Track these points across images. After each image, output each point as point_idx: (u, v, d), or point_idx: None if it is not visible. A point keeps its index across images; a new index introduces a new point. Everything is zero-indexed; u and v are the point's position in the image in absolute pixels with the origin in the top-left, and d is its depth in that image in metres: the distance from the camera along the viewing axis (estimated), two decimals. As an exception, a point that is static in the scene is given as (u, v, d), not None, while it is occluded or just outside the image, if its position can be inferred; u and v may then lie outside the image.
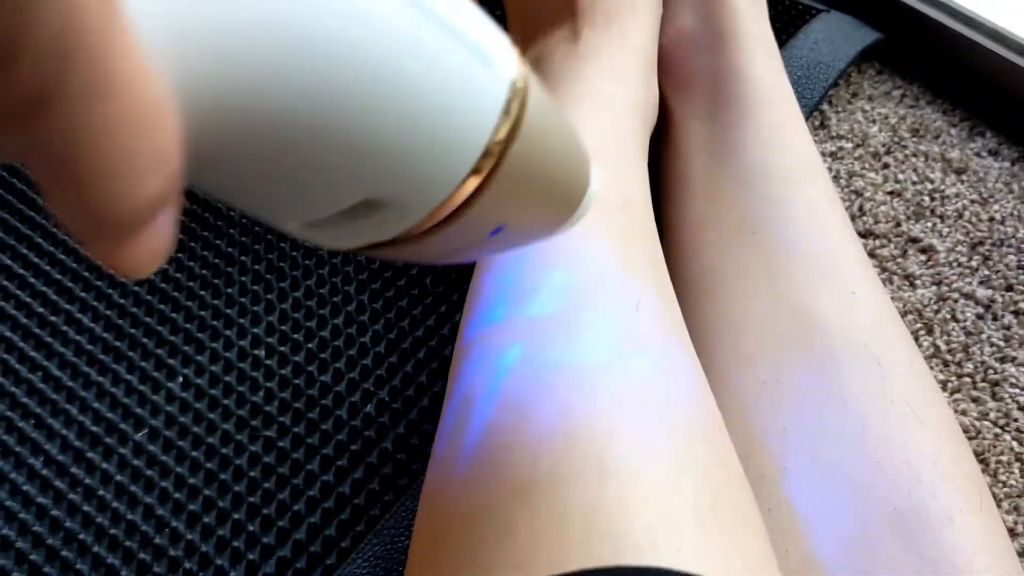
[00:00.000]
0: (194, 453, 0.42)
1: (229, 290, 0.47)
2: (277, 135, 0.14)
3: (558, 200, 0.22)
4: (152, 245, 0.14)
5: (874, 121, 0.53)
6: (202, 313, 0.46)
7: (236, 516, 0.40)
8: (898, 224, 0.49)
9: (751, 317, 0.38)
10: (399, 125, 0.16)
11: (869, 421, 0.34)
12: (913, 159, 0.51)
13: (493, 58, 0.17)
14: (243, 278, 0.47)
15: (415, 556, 0.27)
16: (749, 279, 0.39)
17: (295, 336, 0.45)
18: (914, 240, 0.48)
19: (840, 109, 0.54)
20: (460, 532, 0.25)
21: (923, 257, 0.48)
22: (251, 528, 0.40)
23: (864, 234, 0.49)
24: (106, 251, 0.13)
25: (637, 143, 0.40)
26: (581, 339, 0.28)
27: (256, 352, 0.45)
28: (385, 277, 0.47)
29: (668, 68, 0.46)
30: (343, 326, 0.45)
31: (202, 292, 0.47)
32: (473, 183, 0.18)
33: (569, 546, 0.22)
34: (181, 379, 0.44)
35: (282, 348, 0.45)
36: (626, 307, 0.30)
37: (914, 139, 0.52)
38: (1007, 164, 0.51)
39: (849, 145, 0.52)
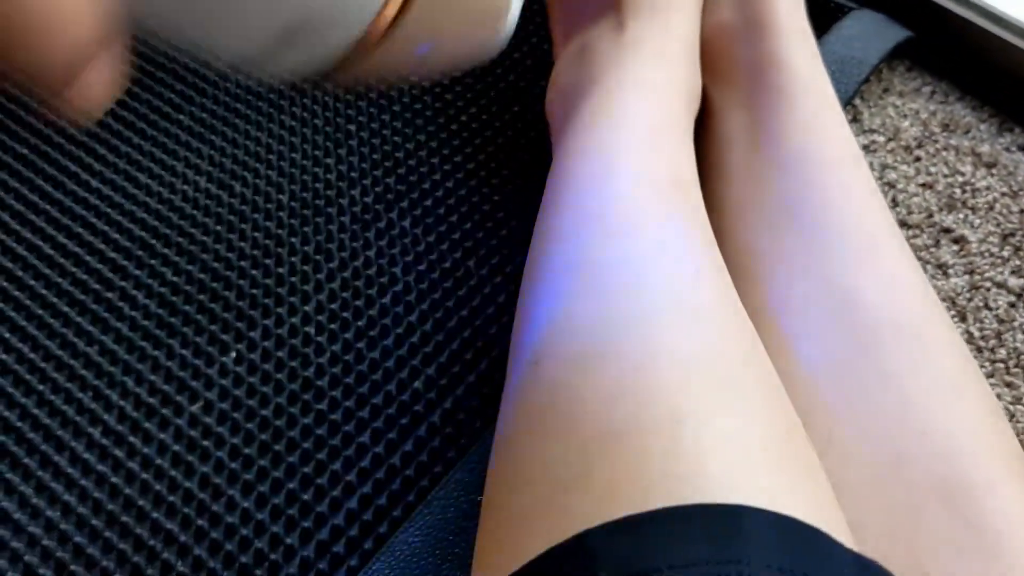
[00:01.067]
0: (248, 425, 0.43)
1: (279, 270, 0.48)
2: None
3: (478, 12, 0.25)
4: (93, 87, 0.16)
5: (905, 116, 0.54)
6: (253, 291, 0.47)
7: (290, 486, 0.41)
8: (930, 215, 0.50)
9: (792, 297, 0.39)
10: None
11: (911, 395, 0.35)
12: (944, 153, 0.53)
13: None
14: (292, 259, 0.48)
15: (490, 506, 0.28)
16: (789, 261, 0.40)
17: (344, 315, 0.46)
18: (947, 231, 0.49)
19: (872, 104, 0.55)
20: (537, 480, 0.26)
21: (955, 247, 0.49)
22: (305, 497, 0.41)
23: (898, 224, 0.50)
24: (53, 100, 0.16)
25: (684, 127, 0.41)
26: (647, 301, 0.29)
27: (307, 329, 0.46)
28: (430, 259, 0.48)
29: (708, 59, 0.48)
30: (390, 305, 0.46)
31: (253, 271, 0.48)
32: (395, 3, 0.20)
33: (648, 487, 0.23)
34: (234, 355, 0.45)
35: (331, 326, 0.46)
36: (687, 274, 0.31)
37: (944, 134, 0.53)
38: (1036, 159, 0.52)
39: (881, 139, 0.53)
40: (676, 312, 0.29)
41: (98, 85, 0.16)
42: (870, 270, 0.39)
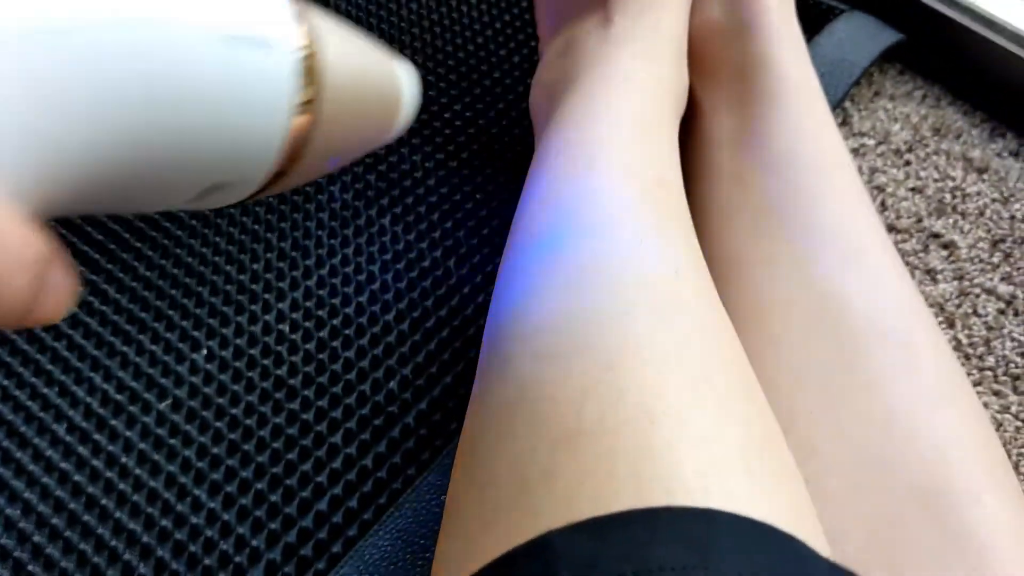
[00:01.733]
0: (217, 423, 0.42)
1: (255, 266, 0.47)
2: (131, 170, 0.18)
3: (379, 116, 0.26)
4: (50, 308, 0.16)
5: (896, 120, 0.54)
6: (227, 287, 0.46)
7: (258, 486, 0.40)
8: (920, 220, 0.49)
9: (777, 301, 0.38)
10: (213, 134, 0.19)
11: (896, 402, 0.34)
12: (934, 157, 0.52)
13: (273, 41, 0.20)
14: (268, 255, 0.47)
15: (452, 506, 0.27)
16: (775, 264, 0.39)
17: (319, 313, 0.45)
18: (936, 236, 0.49)
19: (862, 107, 0.54)
20: (501, 478, 0.25)
21: (945, 253, 0.48)
22: (273, 498, 0.40)
23: (887, 229, 0.49)
24: (18, 327, 0.16)
25: (670, 125, 0.40)
26: (621, 298, 0.28)
27: (280, 327, 0.45)
28: (409, 257, 0.47)
29: (696, 59, 0.47)
30: (367, 304, 0.45)
31: (228, 267, 0.47)
32: (294, 142, 0.21)
33: (617, 487, 0.22)
34: (205, 351, 0.44)
35: (306, 324, 0.45)
36: (665, 272, 0.30)
37: (935, 138, 0.53)
38: (1028, 165, 0.51)
39: (871, 142, 0.52)
40: (652, 309, 0.28)
41: (55, 300, 0.17)
42: (856, 274, 0.38)
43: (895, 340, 0.36)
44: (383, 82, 0.25)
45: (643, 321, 0.28)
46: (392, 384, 0.43)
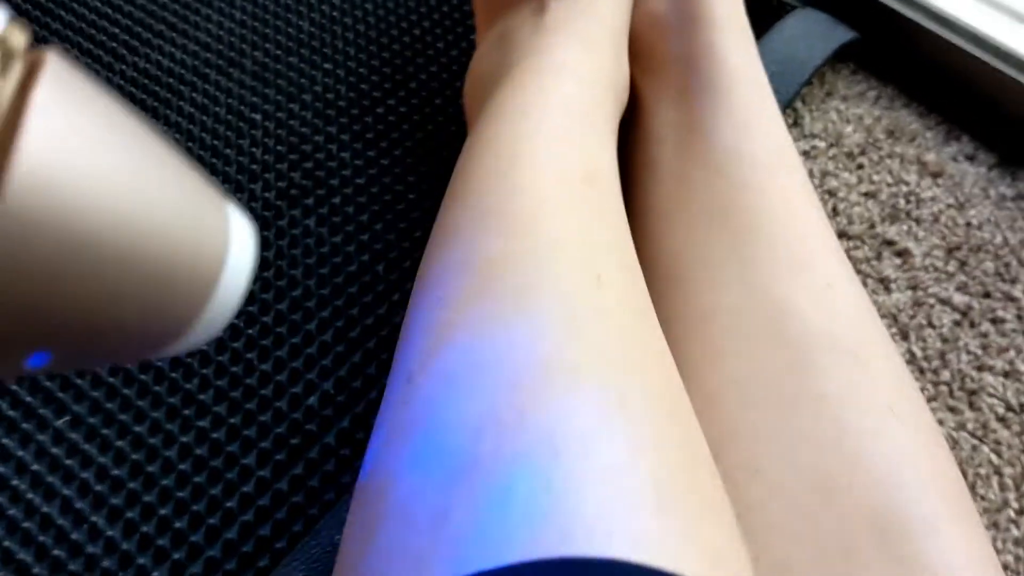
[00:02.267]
0: (119, 443, 0.38)
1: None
2: None
3: (156, 290, 0.15)
4: None
5: (848, 121, 0.51)
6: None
7: (162, 512, 0.37)
8: (872, 226, 0.47)
9: (720, 308, 0.36)
10: None
11: (846, 419, 0.32)
12: (888, 161, 0.50)
13: None
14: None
15: (345, 548, 0.24)
16: (718, 268, 0.37)
17: (235, 321, 0.42)
18: (889, 243, 0.46)
19: (814, 108, 0.52)
20: (392, 519, 0.22)
21: (898, 260, 0.46)
22: (177, 525, 0.36)
23: (838, 235, 0.47)
24: None
25: (605, 117, 0.37)
26: (534, 309, 0.25)
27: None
28: (335, 262, 0.44)
29: (639, 51, 0.44)
30: (288, 312, 0.42)
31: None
32: None
33: (511, 532, 0.19)
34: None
35: (220, 334, 0.42)
36: (585, 279, 0.28)
37: (889, 141, 0.51)
38: (983, 169, 0.49)
39: (823, 144, 0.50)
40: (565, 321, 0.25)
41: None
42: (805, 282, 0.35)
43: (845, 352, 0.33)
44: (179, 228, 0.15)
45: (553, 335, 0.25)
46: (312, 400, 0.40)
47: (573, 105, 0.35)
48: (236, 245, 0.17)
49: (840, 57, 0.54)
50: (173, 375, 0.40)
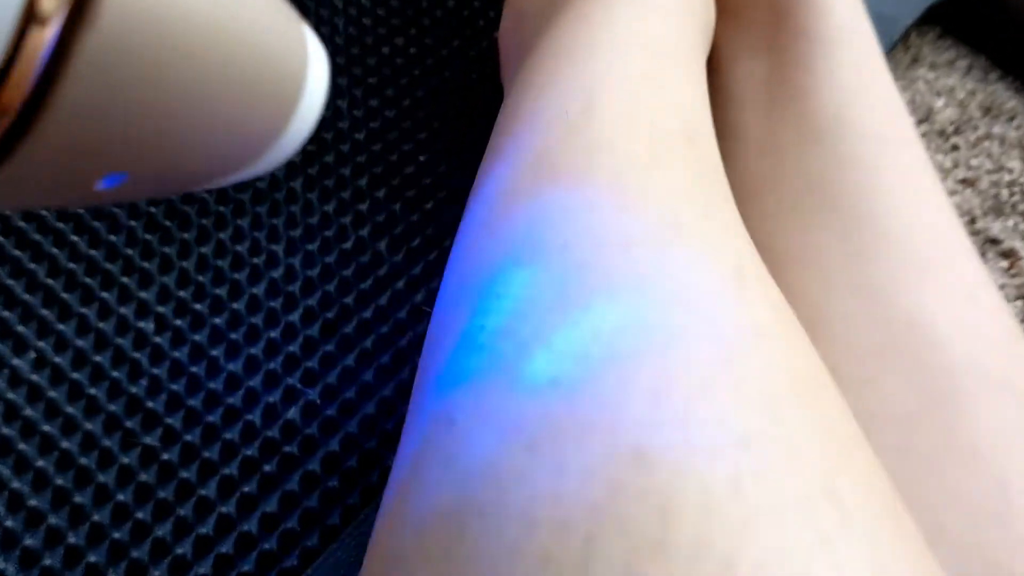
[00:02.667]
0: (40, 462, 0.29)
1: (146, 263, 0.34)
2: None
3: (245, 97, 0.15)
4: None
5: (939, 94, 0.43)
6: (88, 280, 0.34)
7: (116, 535, 0.28)
8: (973, 220, 0.39)
9: (830, 316, 0.28)
10: None
11: (1011, 479, 0.24)
12: (986, 143, 0.42)
13: None
14: (166, 248, 0.35)
15: None
16: (824, 264, 0.29)
17: (199, 309, 0.33)
18: (993, 241, 0.39)
19: (898, 76, 0.44)
20: None
21: (1004, 263, 0.38)
22: (135, 555, 0.28)
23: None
24: None
25: (698, 59, 0.29)
26: (653, 318, 0.17)
27: (158, 340, 0.32)
28: (324, 237, 0.35)
29: (716, -8, 0.36)
30: (264, 297, 0.33)
31: (92, 252, 0.34)
32: (23, 71, 0.11)
33: None
34: (34, 354, 0.32)
35: (195, 336, 0.33)
36: (723, 273, 0.19)
37: (986, 119, 0.43)
38: (1097, 158, 0.42)
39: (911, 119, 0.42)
40: (714, 340, 0.17)
41: None
42: (939, 289, 0.27)
43: (999, 386, 0.26)
44: (267, 37, 0.15)
45: (699, 362, 0.17)
46: (292, 412, 0.31)
47: (659, 43, 0.27)
48: (315, 62, 0.17)
49: (927, 19, 0.46)
50: (115, 374, 0.31)
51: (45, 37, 0.11)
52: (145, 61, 0.13)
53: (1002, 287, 0.37)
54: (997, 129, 0.42)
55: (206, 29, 0.14)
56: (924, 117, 0.42)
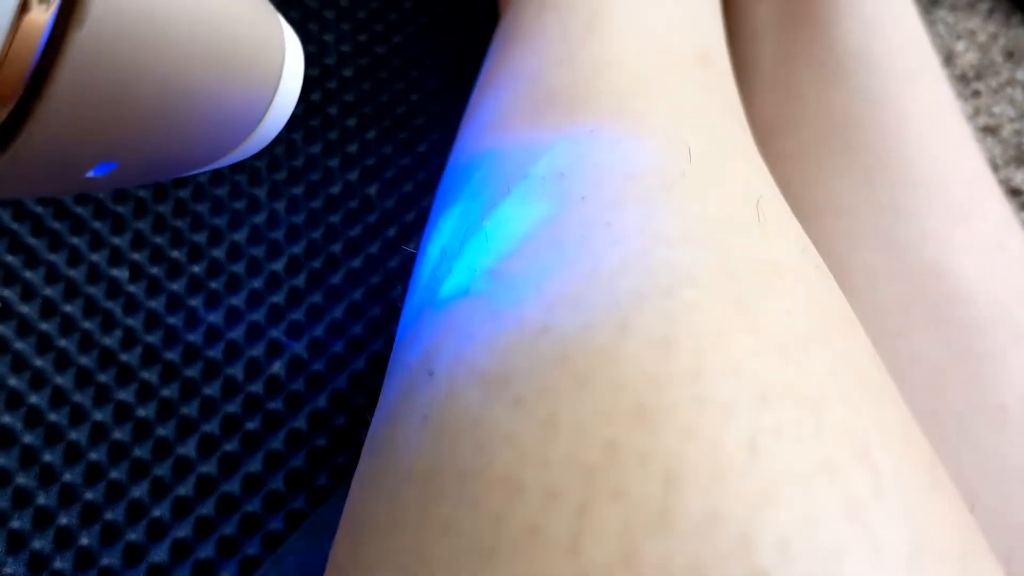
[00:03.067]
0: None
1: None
2: None
3: (226, 80, 0.16)
4: None
5: (959, 37, 0.41)
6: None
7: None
8: (995, 169, 0.37)
9: (852, 266, 0.26)
10: None
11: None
12: (1009, 90, 0.40)
13: None
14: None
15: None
16: (847, 215, 0.27)
17: (178, 257, 0.31)
18: (1015, 192, 0.37)
19: (917, 18, 0.42)
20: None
21: (1028, 215, 0.36)
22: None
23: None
24: None
25: None
26: (662, 266, 0.15)
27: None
28: (311, 181, 0.33)
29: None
30: (246, 244, 0.31)
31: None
32: (20, 57, 0.12)
33: None
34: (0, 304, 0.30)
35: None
36: (738, 206, 0.17)
37: (1009, 64, 0.41)
38: (1124, 105, 0.40)
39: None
40: (716, 276, 0.16)
41: None
42: (968, 240, 0.26)
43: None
44: (243, 22, 0.16)
45: (711, 300, 0.15)
46: (277, 367, 0.29)
47: None
48: (290, 50, 0.18)
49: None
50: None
51: (42, 20, 0.12)
52: (136, 49, 0.13)
53: None
54: (1020, 75, 0.40)
55: (190, 19, 0.14)
56: (944, 61, 0.40)
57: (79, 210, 0.31)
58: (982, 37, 0.41)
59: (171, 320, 0.29)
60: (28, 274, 0.30)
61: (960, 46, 0.41)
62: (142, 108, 0.14)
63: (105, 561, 0.26)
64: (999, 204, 0.27)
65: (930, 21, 0.42)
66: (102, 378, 0.28)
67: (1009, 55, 0.41)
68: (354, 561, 0.15)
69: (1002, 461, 0.22)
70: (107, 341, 0.29)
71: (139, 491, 0.27)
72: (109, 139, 0.14)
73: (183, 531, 0.26)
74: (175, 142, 0.16)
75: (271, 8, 0.18)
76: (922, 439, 0.16)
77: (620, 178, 0.17)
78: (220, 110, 0.16)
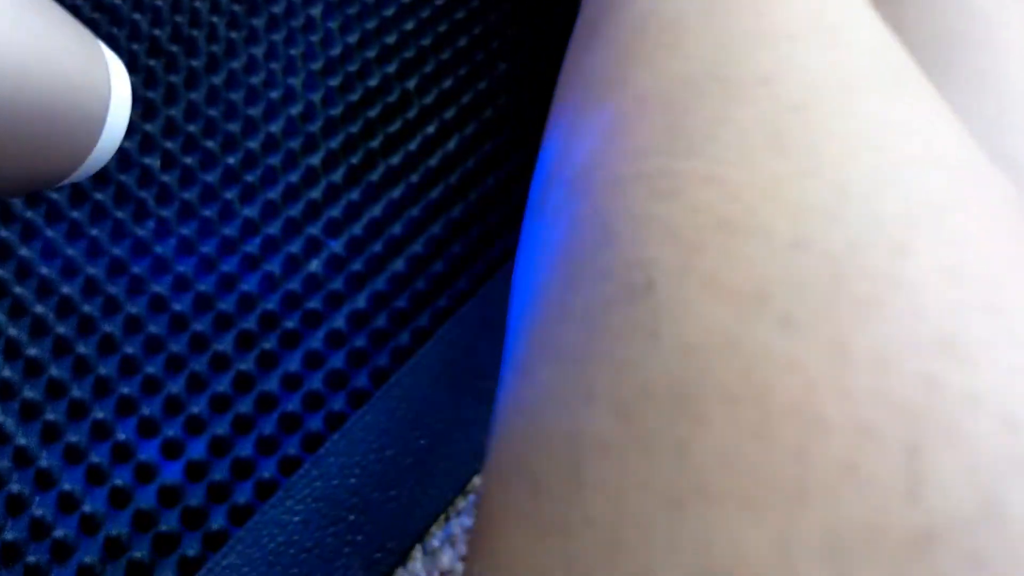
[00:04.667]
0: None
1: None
2: None
3: (40, 128, 0.16)
4: None
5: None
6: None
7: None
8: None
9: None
10: None
11: None
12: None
13: None
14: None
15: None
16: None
17: (187, 161, 0.30)
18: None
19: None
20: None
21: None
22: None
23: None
24: None
25: None
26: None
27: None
28: (330, 57, 0.31)
29: None
30: (260, 120, 0.30)
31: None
32: None
33: None
34: None
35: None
36: (892, 79, 0.16)
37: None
38: None
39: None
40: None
41: None
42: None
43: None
44: (68, 67, 0.16)
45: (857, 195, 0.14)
46: (315, 265, 0.28)
47: None
48: (116, 78, 0.18)
49: None
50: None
51: None
52: None
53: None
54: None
55: (9, 66, 0.15)
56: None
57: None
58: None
59: (206, 213, 0.28)
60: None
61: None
62: None
63: (143, 456, 0.25)
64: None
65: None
66: (135, 269, 0.27)
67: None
68: (577, 483, 0.13)
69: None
70: (140, 232, 0.28)
71: (176, 386, 0.26)
72: None
73: (221, 428, 0.26)
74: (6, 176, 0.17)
75: (92, 39, 0.18)
76: None
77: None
78: (47, 144, 0.17)
